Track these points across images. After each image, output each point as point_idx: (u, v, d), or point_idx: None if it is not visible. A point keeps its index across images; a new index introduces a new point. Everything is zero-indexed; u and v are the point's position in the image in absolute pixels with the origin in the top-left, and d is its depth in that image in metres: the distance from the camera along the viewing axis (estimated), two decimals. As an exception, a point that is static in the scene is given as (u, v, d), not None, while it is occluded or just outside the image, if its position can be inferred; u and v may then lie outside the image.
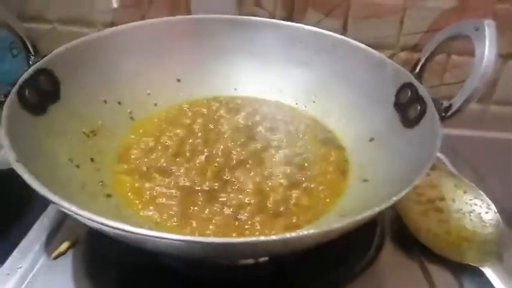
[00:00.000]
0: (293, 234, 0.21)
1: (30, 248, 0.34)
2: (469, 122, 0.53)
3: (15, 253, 0.34)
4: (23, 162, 0.25)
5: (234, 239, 0.21)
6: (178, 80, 0.43)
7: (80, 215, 0.22)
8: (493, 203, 0.37)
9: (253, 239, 0.22)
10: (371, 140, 0.37)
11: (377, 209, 0.23)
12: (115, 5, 0.54)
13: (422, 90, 0.34)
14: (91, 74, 0.38)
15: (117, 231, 0.22)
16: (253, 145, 0.37)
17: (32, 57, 0.34)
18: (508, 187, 0.44)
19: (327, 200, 0.33)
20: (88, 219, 0.22)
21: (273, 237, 0.20)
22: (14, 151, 0.25)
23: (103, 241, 0.29)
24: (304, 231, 0.21)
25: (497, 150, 0.54)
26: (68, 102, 0.35)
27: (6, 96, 0.29)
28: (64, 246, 0.34)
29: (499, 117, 0.55)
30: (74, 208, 0.22)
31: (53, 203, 0.23)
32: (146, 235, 0.21)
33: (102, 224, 0.21)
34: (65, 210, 0.23)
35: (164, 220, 0.31)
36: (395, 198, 0.24)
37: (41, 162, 0.29)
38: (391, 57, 0.45)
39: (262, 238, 0.21)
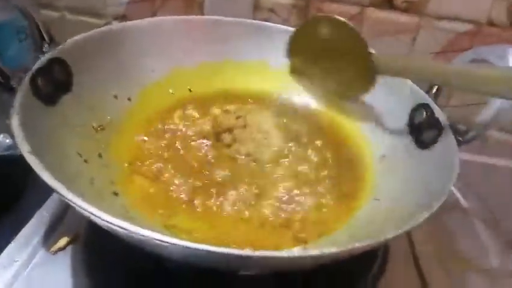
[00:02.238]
0: (316, 251, 0.20)
1: (28, 241, 0.33)
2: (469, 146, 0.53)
3: (13, 245, 0.33)
4: (35, 153, 0.24)
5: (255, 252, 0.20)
6: (190, 80, 0.42)
7: (98, 217, 0.21)
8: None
9: (272, 253, 0.21)
10: (383, 156, 0.36)
11: (389, 236, 0.23)
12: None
13: (439, 112, 0.34)
14: (104, 67, 0.37)
15: (132, 235, 0.21)
16: (266, 151, 0.37)
17: (46, 45, 0.33)
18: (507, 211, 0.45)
19: (337, 217, 0.32)
20: (108, 222, 0.21)
21: (296, 254, 0.20)
22: (27, 142, 0.25)
23: (104, 238, 0.28)
24: (333, 249, 0.20)
25: (496, 176, 0.54)
26: (79, 94, 0.34)
27: (19, 83, 0.28)
28: (63, 241, 0.33)
29: (500, 144, 0.56)
30: (92, 209, 0.21)
31: (68, 200, 0.22)
32: (173, 244, 0.20)
33: (122, 228, 0.21)
34: (81, 210, 0.22)
35: (172, 223, 0.30)
36: (405, 228, 0.24)
37: (50, 154, 0.28)
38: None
39: (283, 253, 0.20)
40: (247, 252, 0.21)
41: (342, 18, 0.37)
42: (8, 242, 0.33)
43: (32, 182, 0.37)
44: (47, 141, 0.29)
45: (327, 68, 0.39)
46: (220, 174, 0.34)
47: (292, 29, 0.45)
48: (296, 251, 0.20)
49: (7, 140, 0.39)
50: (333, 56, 0.37)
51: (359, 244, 0.22)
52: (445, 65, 0.32)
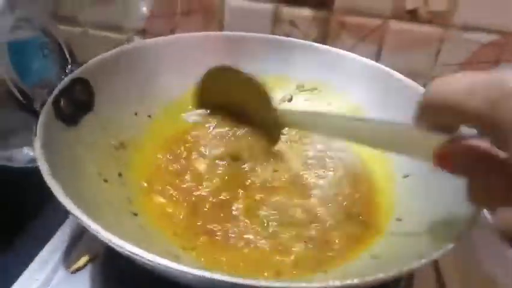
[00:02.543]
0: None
1: (48, 260, 0.33)
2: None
3: (34, 264, 0.33)
4: (56, 176, 0.25)
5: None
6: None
7: (117, 246, 0.21)
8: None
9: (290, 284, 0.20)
10: (406, 176, 0.35)
11: (413, 266, 0.22)
12: (147, 12, 0.54)
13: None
14: (124, 86, 0.37)
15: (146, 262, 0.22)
16: (286, 172, 0.36)
17: (69, 66, 0.33)
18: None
19: (358, 239, 0.31)
20: (130, 252, 0.22)
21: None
22: (48, 165, 0.25)
23: (123, 258, 0.28)
24: (355, 280, 0.20)
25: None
26: (100, 113, 0.34)
27: (42, 105, 0.29)
28: (83, 260, 0.33)
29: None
30: (111, 237, 0.21)
31: (88, 227, 0.22)
32: (194, 274, 0.20)
33: (141, 257, 0.21)
34: (98, 236, 0.22)
35: (190, 245, 0.30)
36: (435, 255, 0.23)
37: (70, 175, 0.28)
38: (423, 86, 0.44)
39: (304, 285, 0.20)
40: (262, 283, 0.21)
41: (245, 72, 0.36)
42: (28, 258, 0.33)
43: (53, 196, 0.37)
44: (68, 162, 0.29)
45: (238, 120, 0.38)
46: (239, 196, 0.33)
47: (312, 43, 0.45)
48: (317, 283, 0.20)
49: (30, 153, 0.39)
50: (241, 109, 0.37)
51: (383, 275, 0.21)
52: (357, 122, 0.31)
